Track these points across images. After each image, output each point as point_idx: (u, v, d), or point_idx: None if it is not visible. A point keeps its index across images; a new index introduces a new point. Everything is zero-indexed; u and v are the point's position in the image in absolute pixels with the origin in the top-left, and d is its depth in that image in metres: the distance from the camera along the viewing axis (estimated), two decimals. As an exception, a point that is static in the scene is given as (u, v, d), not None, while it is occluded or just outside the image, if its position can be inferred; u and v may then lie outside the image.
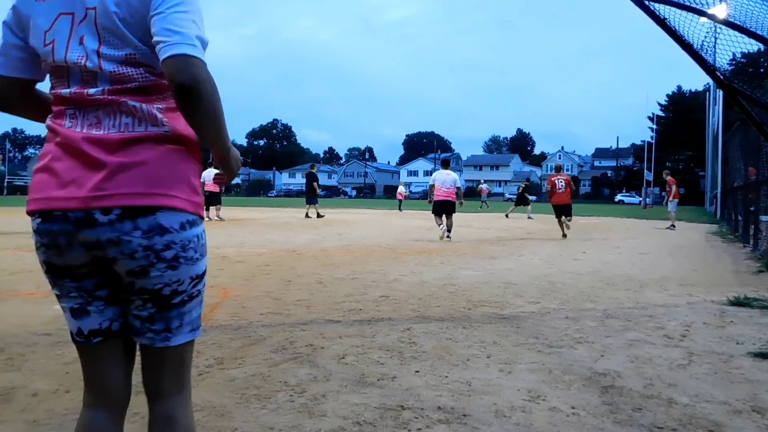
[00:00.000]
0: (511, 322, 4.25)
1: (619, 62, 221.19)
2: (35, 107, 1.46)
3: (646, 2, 4.69)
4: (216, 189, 17.44)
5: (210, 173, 17.61)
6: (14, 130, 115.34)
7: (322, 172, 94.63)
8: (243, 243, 10.12)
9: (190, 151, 1.35)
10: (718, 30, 5.02)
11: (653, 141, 58.63)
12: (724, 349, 3.60)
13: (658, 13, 4.75)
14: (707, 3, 4.60)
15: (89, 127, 1.28)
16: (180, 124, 1.30)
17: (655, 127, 66.61)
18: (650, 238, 13.35)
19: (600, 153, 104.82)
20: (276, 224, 16.01)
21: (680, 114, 68.94)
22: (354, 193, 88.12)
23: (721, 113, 26.24)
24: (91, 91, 1.27)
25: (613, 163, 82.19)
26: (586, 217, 22.17)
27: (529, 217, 21.10)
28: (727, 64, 5.48)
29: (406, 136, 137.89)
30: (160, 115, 1.29)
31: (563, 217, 12.52)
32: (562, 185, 12.73)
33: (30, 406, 2.51)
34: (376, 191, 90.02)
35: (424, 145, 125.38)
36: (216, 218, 17.08)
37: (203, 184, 17.45)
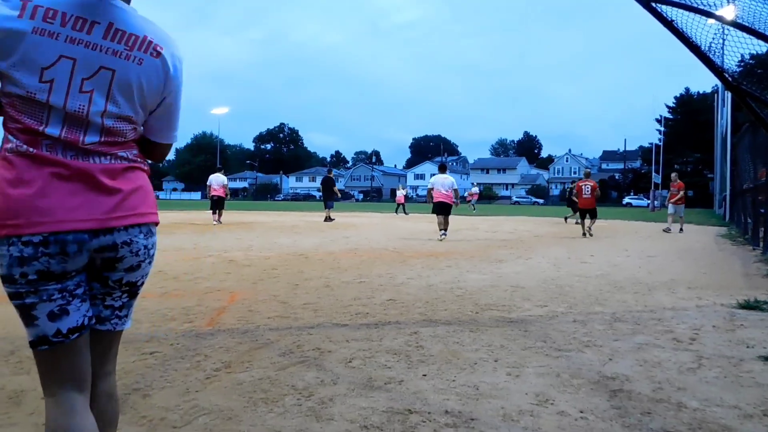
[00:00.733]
0: (519, 326, 4.23)
1: (626, 64, 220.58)
2: None
3: (653, 4, 4.68)
4: (221, 193, 17.54)
5: (217, 178, 17.71)
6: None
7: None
8: (250, 246, 10.14)
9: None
10: (726, 31, 5.00)
11: (661, 143, 58.30)
12: (734, 352, 3.57)
13: (665, 15, 4.73)
14: (715, 4, 4.58)
15: (76, 158, 1.41)
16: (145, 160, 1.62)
17: (662, 129, 66.21)
18: (658, 240, 13.28)
19: (607, 155, 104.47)
20: (283, 228, 16.04)
21: (688, 116, 68.61)
22: (361, 196, 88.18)
23: (729, 115, 26.10)
24: (87, 140, 1.41)
25: (620, 166, 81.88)
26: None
27: (573, 221, 20.52)
28: (736, 65, 5.44)
29: (413, 139, 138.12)
30: (137, 155, 1.56)
31: (587, 219, 14.23)
32: (588, 190, 14.28)
33: (39, 408, 2.51)
34: (383, 195, 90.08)
35: (430, 149, 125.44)
36: (214, 222, 17.13)
37: (209, 187, 17.55)
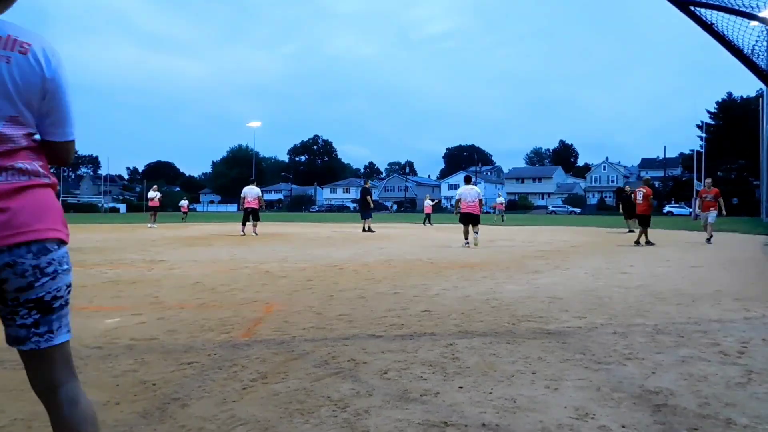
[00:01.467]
0: (557, 338, 4.15)
1: (664, 69, 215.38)
2: None
3: (692, 8, 4.57)
4: (255, 205, 17.78)
5: (251, 190, 17.96)
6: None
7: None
8: (285, 258, 10.25)
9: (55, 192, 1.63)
10: (771, 33, 4.85)
11: (703, 150, 56.72)
12: (785, 366, 3.42)
13: (704, 19, 4.61)
14: (758, 6, 4.44)
15: None
16: (50, 173, 1.60)
17: (704, 135, 64.43)
18: (701, 250, 12.86)
19: (646, 163, 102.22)
20: (318, 239, 16.16)
21: (731, 121, 66.47)
22: (395, 207, 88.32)
23: (775, 119, 25.22)
24: None
25: (660, 173, 79.82)
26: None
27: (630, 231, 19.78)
28: (781, 68, 5.26)
29: (447, 149, 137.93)
30: (42, 165, 1.55)
31: (638, 227, 14.28)
32: (640, 197, 14.23)
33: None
34: (416, 205, 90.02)
35: (464, 159, 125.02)
36: (253, 233, 17.37)
37: (243, 200, 17.81)
